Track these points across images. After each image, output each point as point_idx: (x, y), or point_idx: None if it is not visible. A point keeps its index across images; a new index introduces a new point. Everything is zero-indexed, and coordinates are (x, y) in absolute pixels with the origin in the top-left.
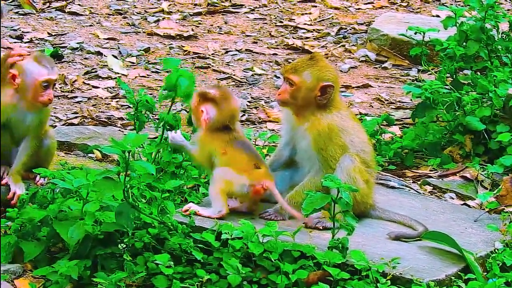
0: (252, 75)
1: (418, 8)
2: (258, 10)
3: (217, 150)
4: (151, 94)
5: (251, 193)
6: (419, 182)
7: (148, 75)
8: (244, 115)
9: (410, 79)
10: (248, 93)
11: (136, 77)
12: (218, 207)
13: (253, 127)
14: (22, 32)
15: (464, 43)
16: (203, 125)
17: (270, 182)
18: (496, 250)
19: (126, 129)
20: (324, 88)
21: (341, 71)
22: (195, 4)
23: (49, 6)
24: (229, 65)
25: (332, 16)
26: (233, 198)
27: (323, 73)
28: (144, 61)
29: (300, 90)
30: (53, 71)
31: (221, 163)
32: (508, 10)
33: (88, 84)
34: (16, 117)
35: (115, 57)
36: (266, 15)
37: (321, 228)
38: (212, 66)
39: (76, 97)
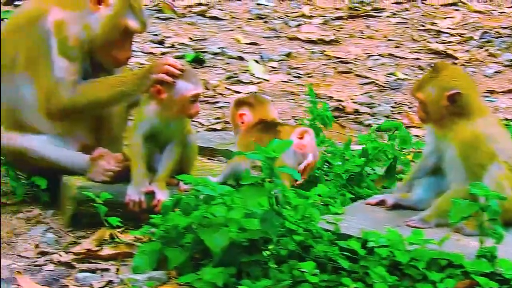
0: (395, 80)
1: None
2: (400, 14)
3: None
4: (292, 99)
5: (300, 150)
6: None
7: (290, 80)
8: (387, 120)
9: None
10: (391, 98)
11: (277, 82)
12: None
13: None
14: (164, 37)
15: None
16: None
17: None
18: None
19: None
20: (451, 96)
21: (485, 75)
22: (337, 9)
23: (190, 11)
24: (371, 69)
25: (475, 20)
26: None
27: (447, 82)
28: (285, 66)
29: (428, 105)
30: (199, 85)
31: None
32: None
33: (230, 89)
34: (159, 127)
35: (257, 62)
36: (408, 19)
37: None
38: (354, 71)
39: (218, 102)
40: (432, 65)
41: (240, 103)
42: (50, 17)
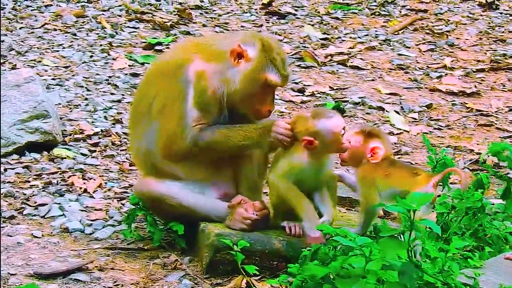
0: None
1: None
2: None
3: (380, 176)
4: None
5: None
6: None
7: (430, 131)
8: None
9: None
10: None
11: (418, 133)
12: None
13: None
14: (304, 85)
15: None
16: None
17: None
18: None
19: None
20: None
21: None
22: (478, 61)
23: (330, 60)
24: None
25: None
26: None
27: None
28: (426, 117)
29: None
30: (340, 116)
31: (385, 187)
32: None
33: None
34: (310, 174)
35: (397, 112)
36: None
37: None
38: (495, 124)
39: None
40: None
41: (370, 135)
42: (192, 67)
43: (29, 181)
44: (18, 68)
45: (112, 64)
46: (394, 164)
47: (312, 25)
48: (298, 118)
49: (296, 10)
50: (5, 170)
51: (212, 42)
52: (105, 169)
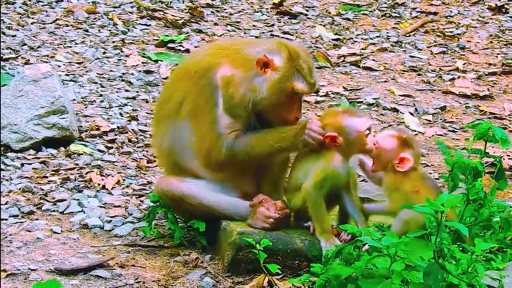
0: None
1: None
2: None
3: (409, 189)
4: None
5: None
6: None
7: (445, 133)
8: None
9: None
10: None
11: (432, 135)
12: None
13: None
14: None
15: None
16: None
17: None
18: None
19: None
20: None
21: None
22: (490, 64)
23: (343, 61)
24: None
25: None
26: None
27: None
28: (440, 119)
29: None
30: (368, 117)
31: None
32: None
33: None
34: (342, 178)
35: (411, 114)
36: None
37: None
38: (509, 127)
39: None
40: None
41: (405, 143)
42: (219, 72)
43: (46, 177)
44: (32, 63)
45: (126, 61)
46: (424, 180)
47: (324, 25)
48: (329, 112)
49: (307, 10)
50: (22, 165)
51: (239, 48)
52: (123, 165)
